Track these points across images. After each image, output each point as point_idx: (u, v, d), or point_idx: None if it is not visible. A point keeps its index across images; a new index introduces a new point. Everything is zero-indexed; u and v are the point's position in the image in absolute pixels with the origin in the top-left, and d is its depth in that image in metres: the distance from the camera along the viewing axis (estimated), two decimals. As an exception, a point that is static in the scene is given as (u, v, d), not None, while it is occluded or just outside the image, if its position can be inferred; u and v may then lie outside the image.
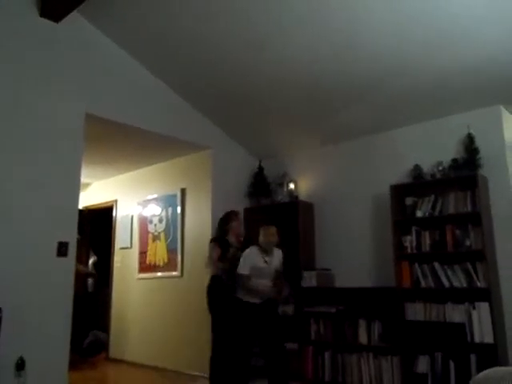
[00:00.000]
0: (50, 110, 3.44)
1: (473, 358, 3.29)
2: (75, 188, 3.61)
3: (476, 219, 3.47)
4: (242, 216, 4.15)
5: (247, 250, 3.56)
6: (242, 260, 3.50)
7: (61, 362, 3.29)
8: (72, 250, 3.44)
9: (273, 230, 3.58)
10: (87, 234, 6.01)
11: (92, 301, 5.80)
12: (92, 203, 6.11)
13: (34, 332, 3.14)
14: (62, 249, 3.37)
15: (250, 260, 3.46)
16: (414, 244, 3.75)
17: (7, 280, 3.04)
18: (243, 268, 3.45)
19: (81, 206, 4.59)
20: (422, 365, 3.53)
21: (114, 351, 5.31)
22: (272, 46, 3.53)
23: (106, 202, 5.93)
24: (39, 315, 3.19)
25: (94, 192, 6.24)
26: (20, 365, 3.01)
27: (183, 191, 4.98)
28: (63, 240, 3.39)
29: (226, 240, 3.74)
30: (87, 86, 3.70)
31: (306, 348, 4.18)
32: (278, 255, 3.63)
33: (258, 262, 3.46)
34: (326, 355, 4.07)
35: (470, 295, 3.42)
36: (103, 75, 3.83)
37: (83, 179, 4.03)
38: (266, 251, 3.52)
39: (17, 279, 3.10)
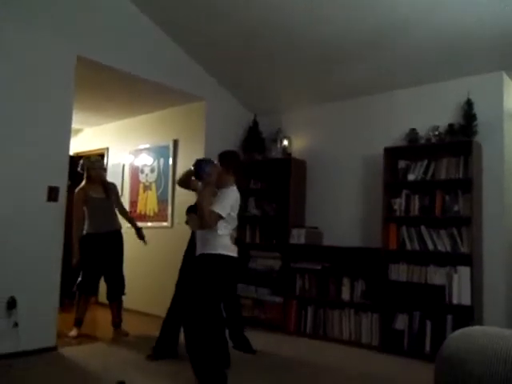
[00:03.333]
0: (39, 49, 3.30)
1: (449, 318, 3.43)
2: (66, 133, 3.54)
3: (466, 186, 3.50)
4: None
5: None
6: None
7: (51, 301, 3.37)
8: (62, 196, 3.43)
9: None
10: (78, 180, 5.95)
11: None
12: (83, 150, 6.01)
13: (25, 273, 3.19)
14: (52, 193, 3.36)
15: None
16: (403, 207, 3.79)
17: (-3, 222, 3.04)
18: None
19: (71, 152, 4.52)
20: (400, 322, 3.68)
21: (103, 296, 5.43)
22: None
23: (98, 150, 5.84)
24: (30, 257, 3.23)
25: (85, 139, 6.13)
26: (11, 303, 3.08)
27: (176, 142, 4.92)
28: (53, 185, 3.36)
29: None
30: (79, 28, 3.54)
31: (291, 302, 4.32)
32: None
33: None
34: (309, 309, 4.21)
35: (453, 259, 3.51)
36: (96, 18, 3.66)
37: (74, 125, 3.94)
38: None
39: (6, 222, 3.10)
